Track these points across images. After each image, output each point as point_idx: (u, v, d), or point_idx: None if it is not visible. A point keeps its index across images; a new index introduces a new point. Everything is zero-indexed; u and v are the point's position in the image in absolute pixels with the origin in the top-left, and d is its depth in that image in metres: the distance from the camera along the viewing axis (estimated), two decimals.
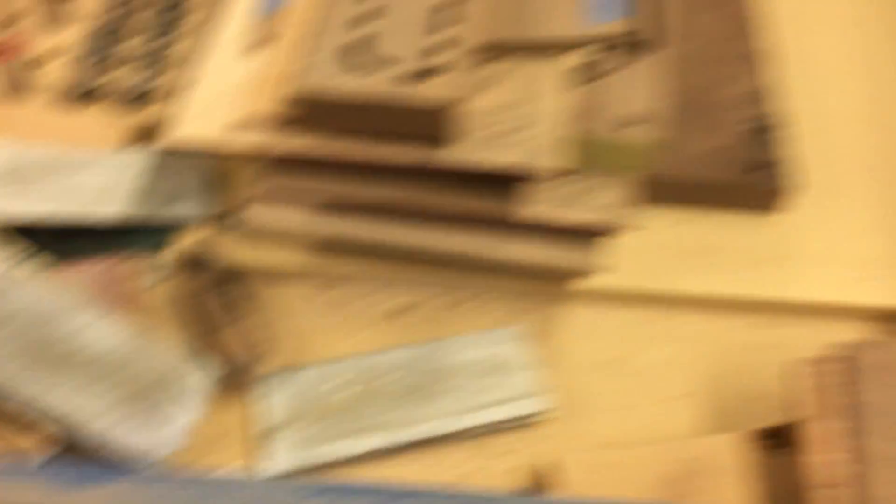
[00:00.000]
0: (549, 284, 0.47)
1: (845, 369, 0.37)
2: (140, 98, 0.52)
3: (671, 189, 0.49)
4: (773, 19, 0.57)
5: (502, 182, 0.43)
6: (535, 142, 0.41)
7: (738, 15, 0.56)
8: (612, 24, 0.45)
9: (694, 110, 0.51)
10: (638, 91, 0.44)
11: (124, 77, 0.52)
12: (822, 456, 0.36)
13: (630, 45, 0.46)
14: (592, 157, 0.43)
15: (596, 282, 0.45)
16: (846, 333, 0.46)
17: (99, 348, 0.41)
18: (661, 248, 0.48)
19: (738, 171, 0.49)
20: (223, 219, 0.48)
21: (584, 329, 0.47)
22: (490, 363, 0.44)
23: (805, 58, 0.56)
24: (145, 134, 0.50)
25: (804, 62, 0.56)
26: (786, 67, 0.55)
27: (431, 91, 0.39)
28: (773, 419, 0.41)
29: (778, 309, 0.47)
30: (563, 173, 0.43)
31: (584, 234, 0.44)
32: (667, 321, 0.47)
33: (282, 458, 0.42)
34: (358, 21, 0.42)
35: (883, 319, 0.46)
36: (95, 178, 0.47)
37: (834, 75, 0.56)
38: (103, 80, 0.52)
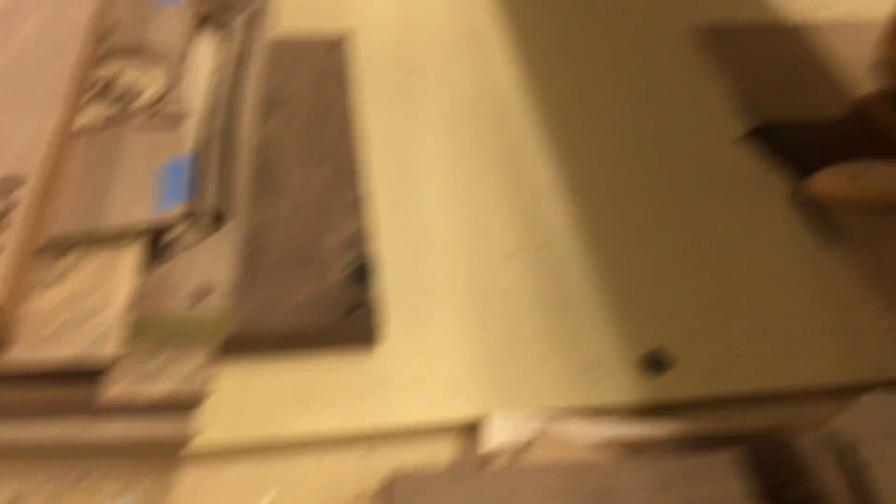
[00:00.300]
0: (159, 453, 0.49)
1: (386, 498, 0.42)
2: None
3: (274, 341, 0.53)
4: (374, 165, 0.64)
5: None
6: (99, 330, 0.44)
7: (345, 166, 0.63)
8: (182, 206, 0.50)
9: (299, 261, 0.56)
10: (208, 264, 0.49)
11: None
12: None
13: (207, 221, 0.51)
14: (167, 333, 0.46)
15: (206, 441, 0.48)
16: (443, 449, 0.51)
17: None
18: (269, 397, 0.51)
19: (338, 314, 0.54)
20: None
21: (197, 489, 0.49)
22: None
23: (402, 198, 0.63)
24: None
25: (401, 202, 0.63)
26: (383, 209, 0.61)
27: None
28: None
29: (382, 436, 0.51)
30: (141, 351, 0.46)
31: (173, 405, 0.47)
32: (279, 466, 0.50)
33: None
34: None
35: (471, 430, 0.52)
36: None
37: (428, 209, 0.63)
38: None
